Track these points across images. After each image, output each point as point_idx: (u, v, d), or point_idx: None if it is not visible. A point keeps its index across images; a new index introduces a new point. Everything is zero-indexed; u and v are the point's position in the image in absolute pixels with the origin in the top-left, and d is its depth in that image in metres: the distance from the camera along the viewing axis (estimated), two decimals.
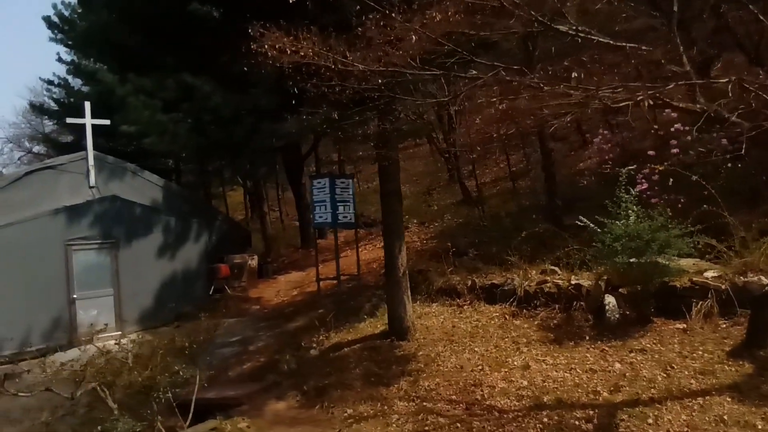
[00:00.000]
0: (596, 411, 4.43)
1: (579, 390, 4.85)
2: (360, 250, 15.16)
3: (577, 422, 4.36)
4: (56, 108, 20.05)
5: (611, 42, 4.07)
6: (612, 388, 4.80)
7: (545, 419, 4.45)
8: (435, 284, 8.72)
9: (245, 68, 10.77)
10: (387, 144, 6.42)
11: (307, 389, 5.81)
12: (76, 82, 20.72)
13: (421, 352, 6.00)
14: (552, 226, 9.98)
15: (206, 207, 15.62)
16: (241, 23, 6.00)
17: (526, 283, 7.63)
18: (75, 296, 10.33)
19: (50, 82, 20.81)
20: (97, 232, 10.84)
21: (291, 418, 5.43)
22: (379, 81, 5.28)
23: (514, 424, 4.45)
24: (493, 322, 7.00)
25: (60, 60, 19.66)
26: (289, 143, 15.39)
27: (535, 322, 6.81)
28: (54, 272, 10.13)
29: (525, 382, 5.14)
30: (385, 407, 5.20)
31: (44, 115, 21.37)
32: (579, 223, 7.38)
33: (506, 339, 6.32)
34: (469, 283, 8.37)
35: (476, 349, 6.02)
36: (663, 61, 4.71)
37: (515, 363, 5.62)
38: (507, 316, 7.21)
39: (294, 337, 8.76)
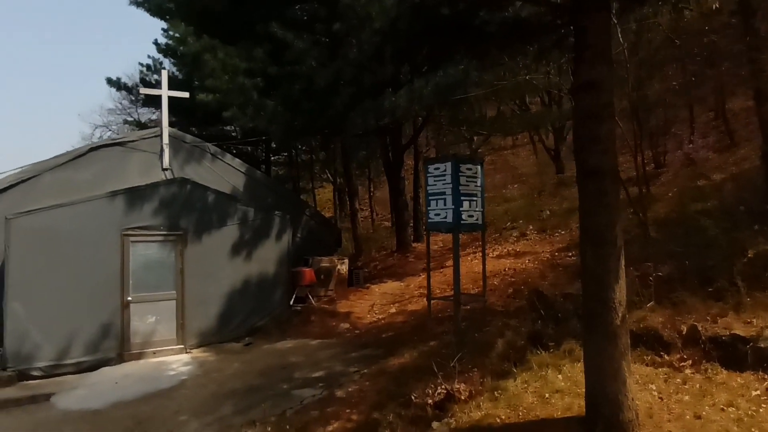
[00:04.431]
0: None
1: None
2: (466, 258, 12.44)
3: None
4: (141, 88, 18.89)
5: None
6: None
7: None
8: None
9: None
10: (597, 82, 3.56)
11: None
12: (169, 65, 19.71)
13: None
14: None
15: (293, 198, 13.49)
16: None
17: None
18: (129, 298, 8.38)
19: (148, 67, 19.96)
20: (161, 221, 8.87)
21: None
22: None
23: None
24: (764, 409, 3.91)
25: (156, 44, 18.69)
26: (389, 128, 12.92)
27: None
28: (106, 267, 8.24)
29: None
30: None
31: (123, 91, 20.33)
32: None
33: None
34: (684, 329, 5.28)
35: None
36: None
37: None
38: None
39: (399, 384, 6.10)
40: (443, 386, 5.67)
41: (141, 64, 19.14)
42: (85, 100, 54.13)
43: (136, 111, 26.12)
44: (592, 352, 3.70)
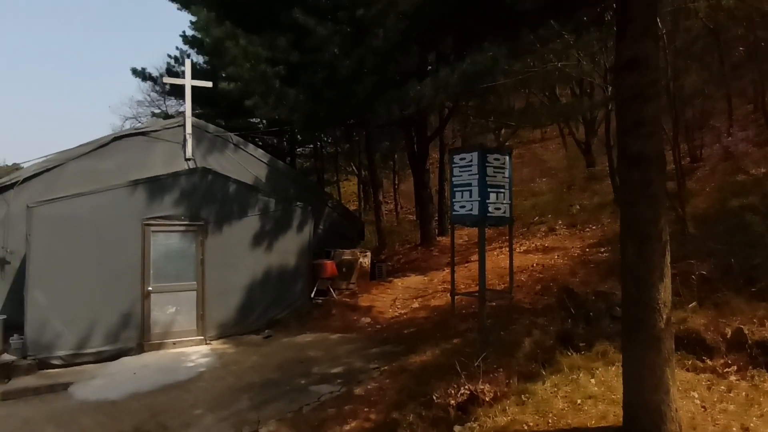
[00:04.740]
0: None
1: None
2: (492, 253, 12.05)
3: None
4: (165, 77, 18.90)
5: None
6: None
7: None
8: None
9: None
10: (642, 58, 3.22)
11: None
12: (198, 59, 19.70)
13: None
14: None
15: (315, 190, 13.31)
16: None
17: None
18: (150, 289, 8.33)
19: (176, 59, 20.03)
20: (182, 211, 8.78)
21: None
22: None
23: None
24: None
25: (183, 35, 18.73)
26: (414, 119, 12.62)
27: None
28: (127, 257, 8.19)
29: None
30: None
31: (149, 82, 20.45)
32: None
33: None
34: (728, 332, 4.89)
35: None
36: None
37: None
38: None
39: (420, 382, 5.85)
40: (466, 387, 5.39)
41: (169, 56, 19.23)
42: (117, 93, 55.20)
43: (164, 103, 26.34)
44: (632, 357, 3.38)
